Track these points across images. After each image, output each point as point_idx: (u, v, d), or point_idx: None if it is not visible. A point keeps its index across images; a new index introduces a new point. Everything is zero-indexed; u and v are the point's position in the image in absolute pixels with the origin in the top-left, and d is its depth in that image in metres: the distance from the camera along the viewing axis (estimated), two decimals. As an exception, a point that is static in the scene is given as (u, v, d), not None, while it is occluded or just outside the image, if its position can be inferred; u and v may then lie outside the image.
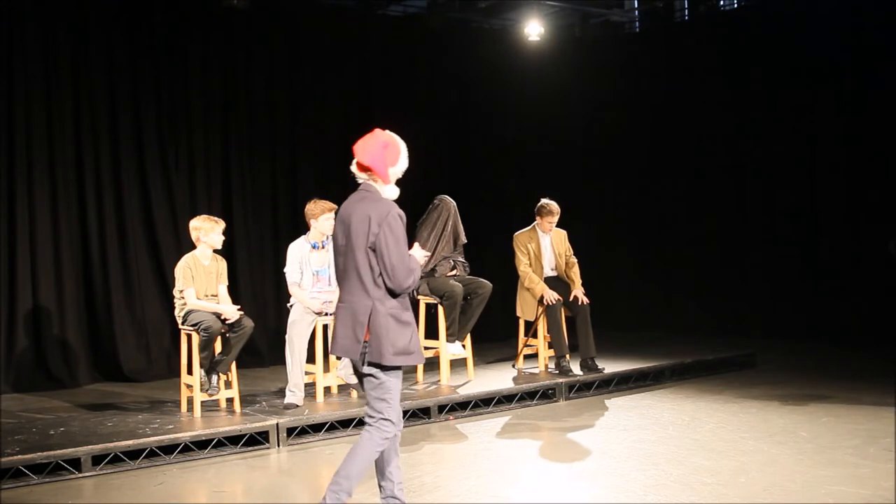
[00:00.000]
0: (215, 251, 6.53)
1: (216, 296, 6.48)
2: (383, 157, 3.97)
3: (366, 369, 3.96)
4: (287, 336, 6.62)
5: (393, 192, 4.03)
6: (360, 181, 4.05)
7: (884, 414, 6.21)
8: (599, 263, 10.09)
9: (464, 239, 7.50)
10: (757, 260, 9.97)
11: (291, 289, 6.74)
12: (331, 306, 6.66)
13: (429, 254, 4.28)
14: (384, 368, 3.92)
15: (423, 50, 10.11)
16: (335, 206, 6.71)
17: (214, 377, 6.37)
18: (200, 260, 6.44)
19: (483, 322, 7.68)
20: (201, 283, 6.39)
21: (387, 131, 4.08)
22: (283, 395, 6.66)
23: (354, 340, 3.94)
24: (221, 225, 6.52)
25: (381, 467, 4.08)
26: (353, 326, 3.94)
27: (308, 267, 6.72)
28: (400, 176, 4.08)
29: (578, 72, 10.88)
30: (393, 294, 3.93)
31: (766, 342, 9.18)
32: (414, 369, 7.71)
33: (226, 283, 6.57)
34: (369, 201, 3.96)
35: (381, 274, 3.90)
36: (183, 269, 6.37)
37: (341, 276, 4.05)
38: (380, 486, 4.11)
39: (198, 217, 6.59)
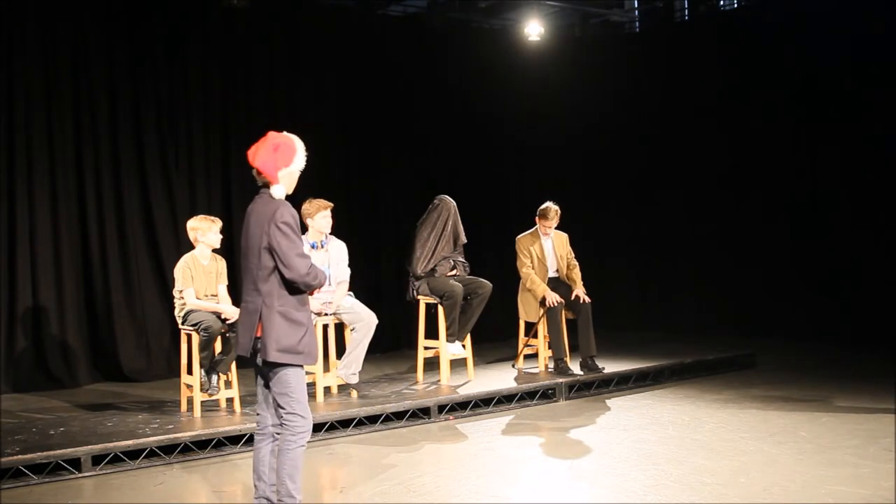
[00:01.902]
0: (214, 251, 6.54)
1: (216, 296, 6.48)
2: (273, 159, 4.07)
3: (264, 366, 4.04)
4: None
5: (279, 192, 4.08)
6: (259, 184, 4.18)
7: (884, 414, 6.21)
8: (599, 263, 10.08)
9: (464, 239, 7.50)
10: (757, 260, 9.96)
11: None
12: (331, 307, 6.69)
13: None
14: (276, 364, 3.98)
15: (423, 50, 10.11)
16: (331, 204, 6.74)
17: (214, 377, 6.38)
18: (199, 260, 6.43)
19: (483, 322, 7.67)
20: (201, 282, 6.38)
21: (283, 133, 4.17)
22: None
23: (248, 338, 4.04)
24: (218, 224, 6.51)
25: (256, 465, 4.12)
26: (248, 324, 4.05)
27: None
28: (296, 174, 4.16)
29: (578, 72, 10.88)
30: (292, 288, 4.00)
31: (766, 342, 9.18)
32: (414, 369, 7.72)
33: (226, 282, 6.56)
34: (262, 203, 4.09)
35: (274, 270, 3.98)
36: (182, 270, 6.36)
37: (243, 276, 4.16)
38: (254, 485, 4.13)
39: (195, 217, 6.60)
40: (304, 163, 4.16)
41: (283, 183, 4.09)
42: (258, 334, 3.99)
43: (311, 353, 4.06)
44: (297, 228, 4.02)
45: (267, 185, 4.11)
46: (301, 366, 4.04)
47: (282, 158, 4.08)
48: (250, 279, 4.06)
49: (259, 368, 4.11)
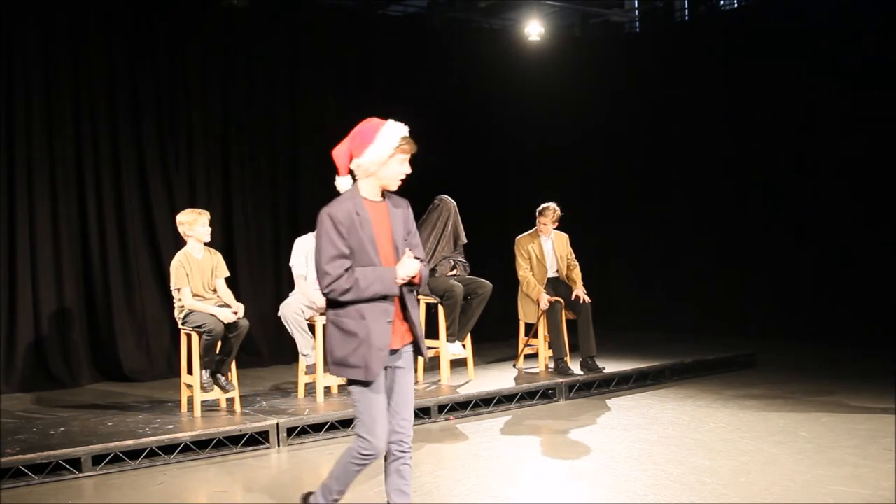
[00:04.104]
0: (208, 244, 6.44)
1: (214, 290, 6.43)
2: (347, 148, 3.69)
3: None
4: (281, 315, 6.77)
5: (341, 184, 3.72)
6: None
7: (884, 414, 6.21)
8: (600, 263, 10.08)
9: (464, 239, 7.49)
10: (757, 260, 9.97)
11: (297, 281, 6.81)
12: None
13: (419, 263, 3.86)
14: (348, 381, 3.72)
15: (423, 50, 10.11)
16: None
17: (222, 378, 6.32)
18: (192, 255, 6.35)
19: (483, 322, 7.67)
20: (197, 278, 6.31)
21: (374, 118, 3.76)
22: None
23: (325, 351, 3.81)
24: (205, 216, 6.40)
25: (386, 486, 3.87)
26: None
27: (313, 261, 6.76)
28: (378, 165, 3.66)
29: (578, 72, 10.88)
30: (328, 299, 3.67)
31: (766, 342, 9.17)
32: (414, 369, 7.70)
33: (224, 275, 6.49)
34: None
35: None
36: (176, 268, 6.27)
37: None
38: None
39: (182, 212, 6.50)
40: (387, 152, 3.64)
41: (361, 174, 3.68)
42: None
43: (370, 368, 3.63)
44: (333, 229, 3.59)
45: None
46: (364, 382, 3.66)
47: (356, 146, 3.67)
48: None
49: None
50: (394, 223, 3.75)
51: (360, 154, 3.65)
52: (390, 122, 3.74)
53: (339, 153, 3.73)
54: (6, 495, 5.02)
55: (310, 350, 6.70)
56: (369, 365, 3.64)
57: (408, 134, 3.74)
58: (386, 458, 3.79)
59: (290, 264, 6.91)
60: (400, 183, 3.78)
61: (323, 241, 3.59)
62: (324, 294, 3.62)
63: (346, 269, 3.60)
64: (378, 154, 3.65)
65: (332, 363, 3.70)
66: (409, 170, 3.76)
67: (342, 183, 3.73)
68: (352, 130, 3.75)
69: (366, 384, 3.66)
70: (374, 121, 3.75)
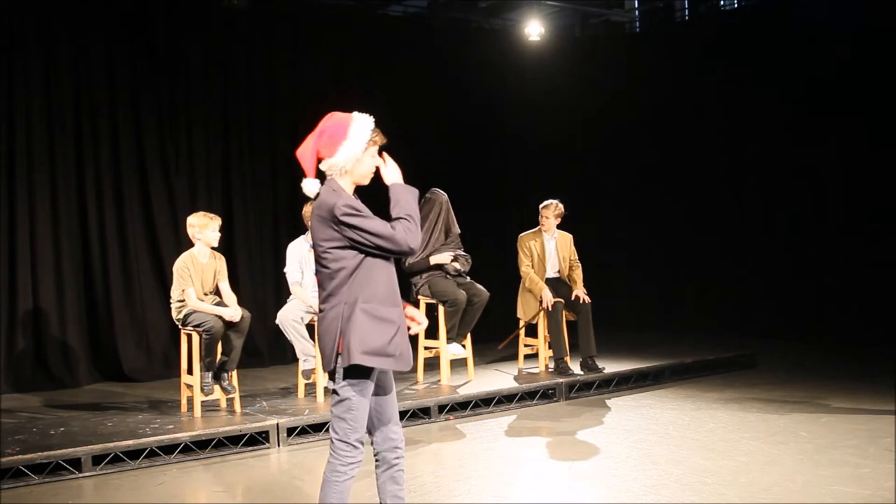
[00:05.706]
0: (214, 248, 6.45)
1: (212, 293, 6.41)
2: (313, 148, 3.48)
3: (329, 384, 3.52)
4: (279, 323, 6.77)
5: (308, 187, 3.47)
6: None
7: (884, 414, 6.21)
8: (600, 263, 10.07)
9: (457, 229, 7.43)
10: (757, 260, 9.97)
11: (293, 288, 6.78)
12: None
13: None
14: (348, 376, 3.42)
15: (423, 50, 10.11)
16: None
17: (225, 381, 6.32)
18: (198, 258, 6.35)
19: (483, 323, 7.66)
20: (198, 282, 6.30)
21: (344, 113, 3.61)
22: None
23: (330, 350, 3.46)
24: (217, 221, 6.40)
25: (380, 495, 3.68)
26: (329, 334, 3.46)
27: (308, 266, 6.77)
28: (353, 163, 3.51)
29: (579, 72, 10.88)
30: (377, 284, 3.43)
31: (766, 342, 9.17)
32: (414, 369, 7.71)
33: (226, 279, 6.49)
34: (316, 203, 3.49)
35: (356, 268, 3.42)
36: (180, 270, 6.28)
37: (318, 284, 3.62)
38: None
39: (194, 214, 6.51)
40: (362, 147, 3.51)
41: (336, 173, 3.51)
42: (339, 348, 3.42)
43: (405, 357, 3.48)
44: (362, 209, 3.43)
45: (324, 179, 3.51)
46: (368, 388, 3.47)
47: (325, 145, 3.48)
48: (324, 286, 3.50)
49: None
50: None
51: (332, 153, 3.48)
52: (356, 114, 3.60)
53: (304, 154, 3.51)
54: (6, 495, 5.02)
55: (310, 356, 6.70)
56: (405, 353, 3.49)
57: (374, 125, 3.60)
58: (379, 466, 3.64)
59: (285, 271, 6.89)
60: (371, 177, 3.62)
61: (367, 217, 3.41)
62: (406, 244, 3.41)
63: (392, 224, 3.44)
64: (353, 151, 3.50)
65: (364, 353, 3.36)
66: (380, 162, 3.61)
67: (310, 186, 3.48)
68: (315, 129, 3.56)
69: (367, 383, 3.46)
70: (339, 115, 3.59)
